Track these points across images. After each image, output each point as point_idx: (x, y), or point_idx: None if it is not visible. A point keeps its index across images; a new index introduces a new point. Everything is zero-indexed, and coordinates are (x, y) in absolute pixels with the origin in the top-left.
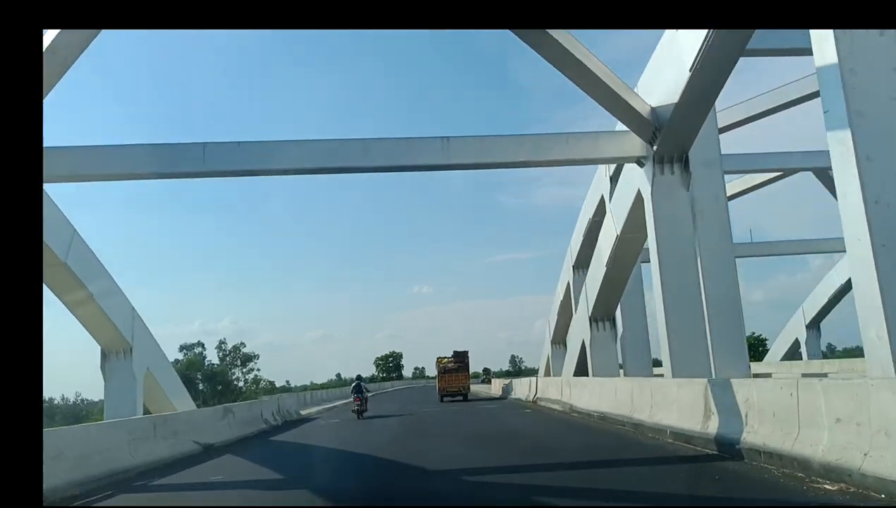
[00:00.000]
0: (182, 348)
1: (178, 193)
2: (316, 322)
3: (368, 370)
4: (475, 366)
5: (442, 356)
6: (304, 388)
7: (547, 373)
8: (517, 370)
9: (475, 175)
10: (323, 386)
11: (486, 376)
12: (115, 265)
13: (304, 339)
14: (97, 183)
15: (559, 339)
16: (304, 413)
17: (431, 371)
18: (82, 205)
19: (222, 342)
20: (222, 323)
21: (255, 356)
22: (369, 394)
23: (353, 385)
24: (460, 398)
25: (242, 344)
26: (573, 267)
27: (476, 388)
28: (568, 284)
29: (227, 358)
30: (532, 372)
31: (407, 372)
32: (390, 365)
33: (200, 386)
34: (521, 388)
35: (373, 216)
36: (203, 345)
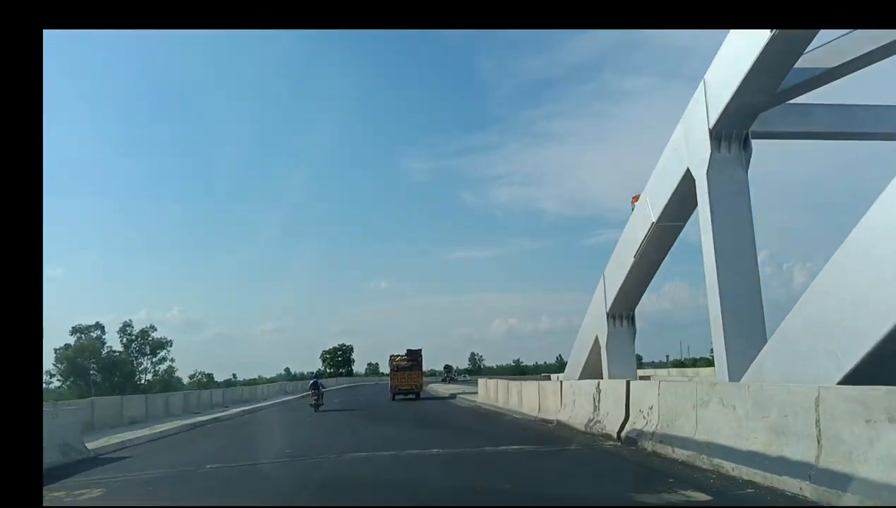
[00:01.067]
0: (75, 330)
1: (131, 173)
2: (268, 314)
3: (315, 364)
4: (433, 363)
5: (395, 353)
6: (254, 382)
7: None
8: (477, 368)
9: (437, 169)
10: (272, 380)
11: (448, 374)
12: (53, 245)
13: (255, 332)
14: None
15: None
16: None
17: (386, 367)
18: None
19: (127, 324)
20: (171, 312)
21: (166, 342)
22: (324, 390)
23: (311, 381)
24: (412, 396)
25: (152, 327)
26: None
27: (434, 387)
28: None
29: (133, 345)
30: (490, 371)
31: (359, 367)
32: (339, 359)
33: (96, 377)
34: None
35: (330, 208)
36: (103, 328)
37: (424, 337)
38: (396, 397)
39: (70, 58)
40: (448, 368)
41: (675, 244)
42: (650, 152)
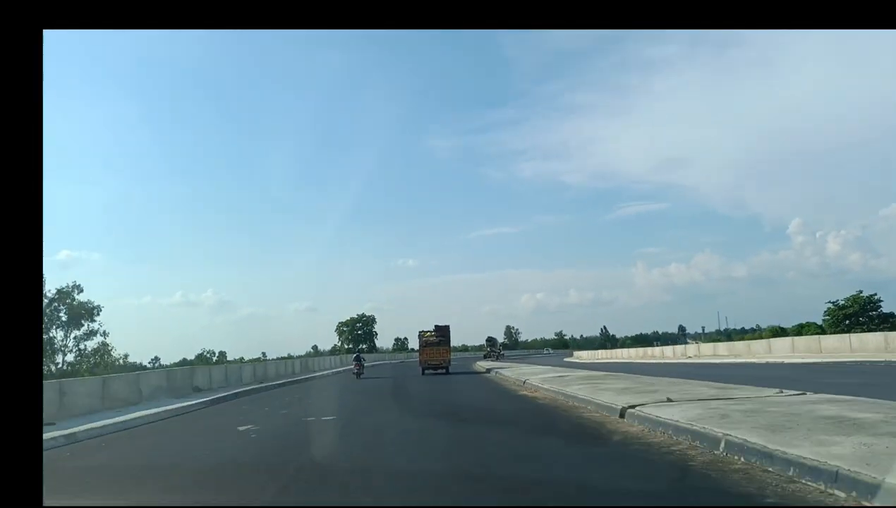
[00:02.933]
0: None
1: (166, 158)
2: (300, 294)
3: (332, 340)
4: (463, 339)
5: (424, 329)
6: (281, 359)
7: None
8: (514, 342)
9: (460, 146)
10: (305, 356)
11: (491, 348)
12: (89, 232)
13: (287, 311)
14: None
15: None
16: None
17: (414, 343)
18: (66, 167)
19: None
20: (205, 293)
21: (94, 309)
22: (365, 363)
23: (355, 356)
24: (442, 370)
25: (76, 286)
26: None
27: (480, 364)
28: None
29: (46, 312)
30: (527, 345)
31: (384, 342)
32: (359, 333)
33: None
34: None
35: (357, 187)
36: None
37: (451, 314)
38: (426, 372)
39: (90, 46)
40: (491, 341)
41: (704, 214)
42: (676, 122)
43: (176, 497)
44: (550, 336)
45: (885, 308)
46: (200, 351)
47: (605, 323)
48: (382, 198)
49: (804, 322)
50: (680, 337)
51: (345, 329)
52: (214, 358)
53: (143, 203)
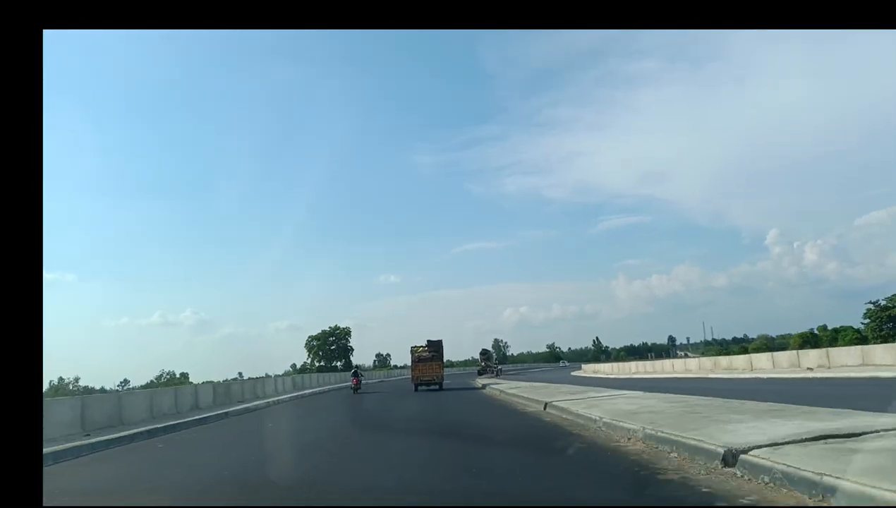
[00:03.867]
0: None
1: (140, 177)
2: (281, 312)
3: (302, 357)
4: (448, 355)
5: (416, 345)
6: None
7: None
8: (502, 356)
9: (443, 163)
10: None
11: (487, 363)
12: (63, 252)
13: (269, 330)
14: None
15: None
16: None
17: (398, 359)
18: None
19: None
20: (184, 313)
21: None
22: (363, 379)
23: (353, 371)
24: (435, 387)
25: None
26: None
27: (479, 381)
28: None
29: None
30: (514, 359)
31: (364, 358)
32: (331, 348)
33: None
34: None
35: (340, 204)
36: None
37: (435, 330)
38: (419, 388)
39: (67, 59)
40: (486, 354)
41: (684, 226)
42: (656, 136)
43: None
44: (537, 349)
45: None
46: (160, 373)
47: (589, 336)
48: (366, 215)
49: (840, 326)
50: (670, 347)
51: (315, 343)
52: (176, 379)
53: (118, 222)
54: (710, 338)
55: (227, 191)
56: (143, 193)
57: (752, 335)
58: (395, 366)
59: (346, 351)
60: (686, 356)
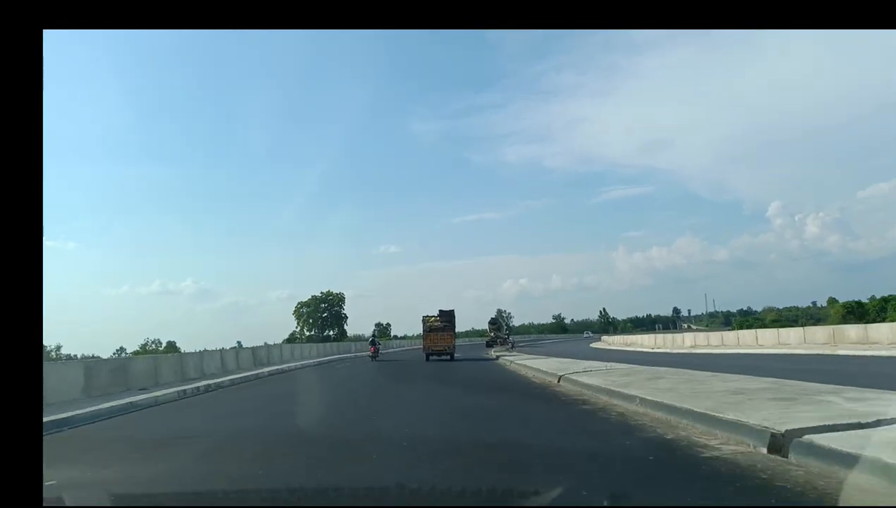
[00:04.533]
0: None
1: (143, 143)
2: (281, 281)
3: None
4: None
5: (428, 314)
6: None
7: None
8: (507, 327)
9: (443, 130)
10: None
11: (496, 334)
12: (63, 221)
13: (269, 299)
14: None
15: None
16: None
17: (400, 329)
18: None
19: None
20: (185, 283)
21: None
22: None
23: (370, 339)
24: (447, 357)
25: None
26: None
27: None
28: None
29: None
30: (518, 330)
31: (360, 328)
32: (323, 315)
33: None
34: None
35: (340, 173)
36: None
37: (435, 300)
38: (430, 358)
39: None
40: (495, 323)
41: (684, 197)
42: (659, 103)
43: None
44: (539, 320)
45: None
46: (144, 341)
47: (589, 307)
48: (365, 184)
49: (888, 295)
50: (675, 319)
51: (304, 310)
52: (161, 349)
53: (117, 191)
54: (712, 310)
55: (225, 158)
56: (145, 156)
57: (756, 308)
58: (395, 336)
59: (339, 319)
60: (690, 328)
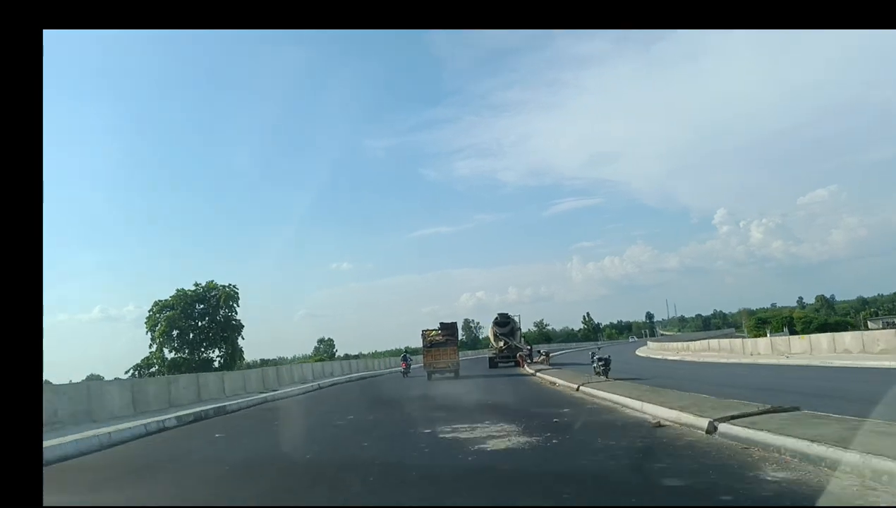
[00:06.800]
0: None
1: (107, 165)
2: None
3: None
4: (398, 342)
5: (428, 328)
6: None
7: None
8: (474, 339)
9: (396, 146)
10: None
11: (507, 339)
12: None
13: None
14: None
15: None
16: None
17: (353, 349)
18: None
19: None
20: (127, 307)
21: None
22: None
23: (403, 355)
24: (450, 374)
25: None
26: None
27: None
28: None
29: None
30: (484, 343)
31: (301, 347)
32: (196, 323)
33: None
34: None
35: (289, 190)
36: None
37: (391, 316)
38: (433, 376)
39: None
40: (505, 325)
41: (633, 207)
42: (606, 117)
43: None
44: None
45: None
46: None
47: (544, 318)
48: (319, 201)
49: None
50: (649, 326)
51: (161, 315)
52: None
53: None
54: (673, 316)
55: (168, 180)
56: (99, 181)
57: (705, 313)
58: (348, 356)
59: (229, 329)
60: (662, 335)
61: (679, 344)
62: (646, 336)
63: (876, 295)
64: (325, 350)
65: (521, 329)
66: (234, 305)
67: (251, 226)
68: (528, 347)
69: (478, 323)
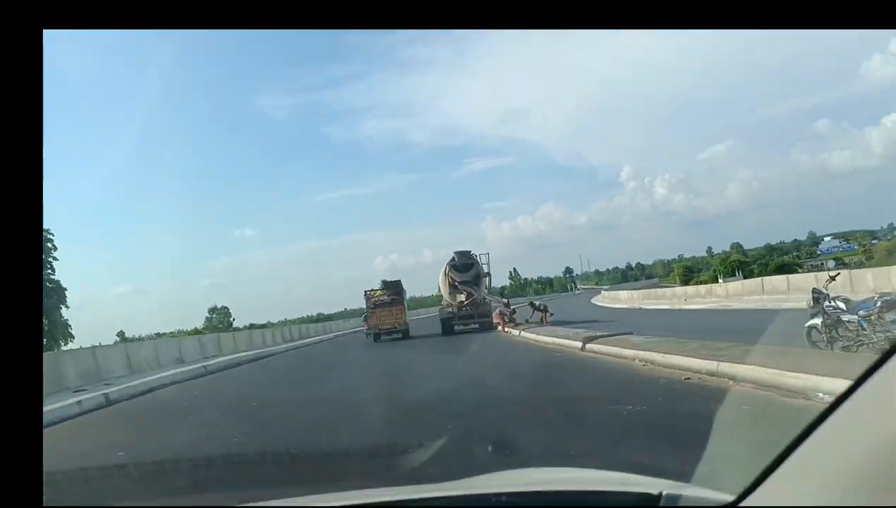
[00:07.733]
0: None
1: None
2: (124, 275)
3: (170, 323)
4: (313, 309)
5: (371, 288)
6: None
7: None
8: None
9: (298, 105)
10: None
11: (469, 287)
12: None
13: (108, 297)
14: None
15: None
16: None
17: (247, 317)
18: None
19: None
20: None
21: None
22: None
23: (364, 316)
24: (398, 335)
25: None
26: None
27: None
28: None
29: None
30: (421, 301)
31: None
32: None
33: None
34: None
35: (181, 154)
36: None
37: (301, 283)
38: (381, 337)
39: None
40: (469, 267)
41: (544, 166)
42: (514, 74)
43: None
44: (424, 294)
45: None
46: None
47: None
48: (213, 165)
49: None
50: (570, 280)
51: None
52: None
53: None
54: (587, 271)
55: (60, 139)
56: None
57: (622, 266)
58: (243, 327)
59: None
60: (579, 288)
61: (627, 293)
62: (571, 290)
63: (778, 242)
64: (220, 320)
65: (490, 274)
66: (50, 259)
67: (139, 190)
68: (505, 300)
69: (486, 254)
